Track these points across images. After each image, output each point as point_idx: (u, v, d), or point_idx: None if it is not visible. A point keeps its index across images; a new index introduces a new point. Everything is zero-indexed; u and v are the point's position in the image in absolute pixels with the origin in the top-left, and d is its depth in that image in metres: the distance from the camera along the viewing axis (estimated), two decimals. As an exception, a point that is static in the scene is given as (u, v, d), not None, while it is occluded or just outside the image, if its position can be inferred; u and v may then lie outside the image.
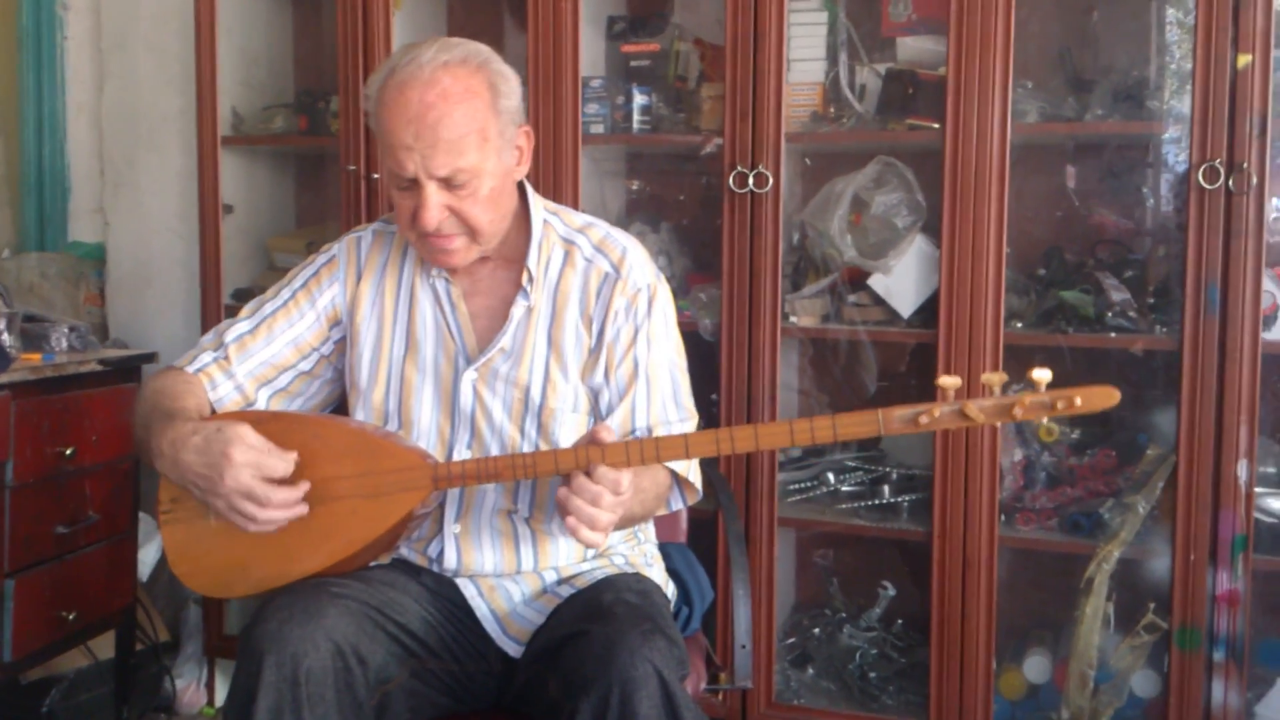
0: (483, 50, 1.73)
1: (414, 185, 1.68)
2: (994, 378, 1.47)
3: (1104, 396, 1.48)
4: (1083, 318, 2.30)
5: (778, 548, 2.47)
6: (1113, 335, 2.26)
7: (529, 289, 1.79)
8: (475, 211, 1.71)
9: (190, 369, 1.82)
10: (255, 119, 2.94)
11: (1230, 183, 2.10)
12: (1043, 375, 1.46)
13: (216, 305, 2.84)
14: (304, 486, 1.64)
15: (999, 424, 1.58)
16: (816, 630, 2.66)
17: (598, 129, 2.57)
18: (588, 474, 1.54)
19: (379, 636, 1.65)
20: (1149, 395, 2.32)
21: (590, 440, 1.57)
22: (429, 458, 1.71)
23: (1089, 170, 2.49)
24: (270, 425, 1.69)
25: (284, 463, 1.62)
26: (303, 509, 1.63)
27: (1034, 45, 2.41)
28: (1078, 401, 1.47)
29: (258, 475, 1.59)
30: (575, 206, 2.43)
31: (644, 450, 1.56)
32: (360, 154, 2.66)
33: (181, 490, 1.71)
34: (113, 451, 2.56)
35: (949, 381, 1.48)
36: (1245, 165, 2.09)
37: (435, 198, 1.67)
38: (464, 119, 1.66)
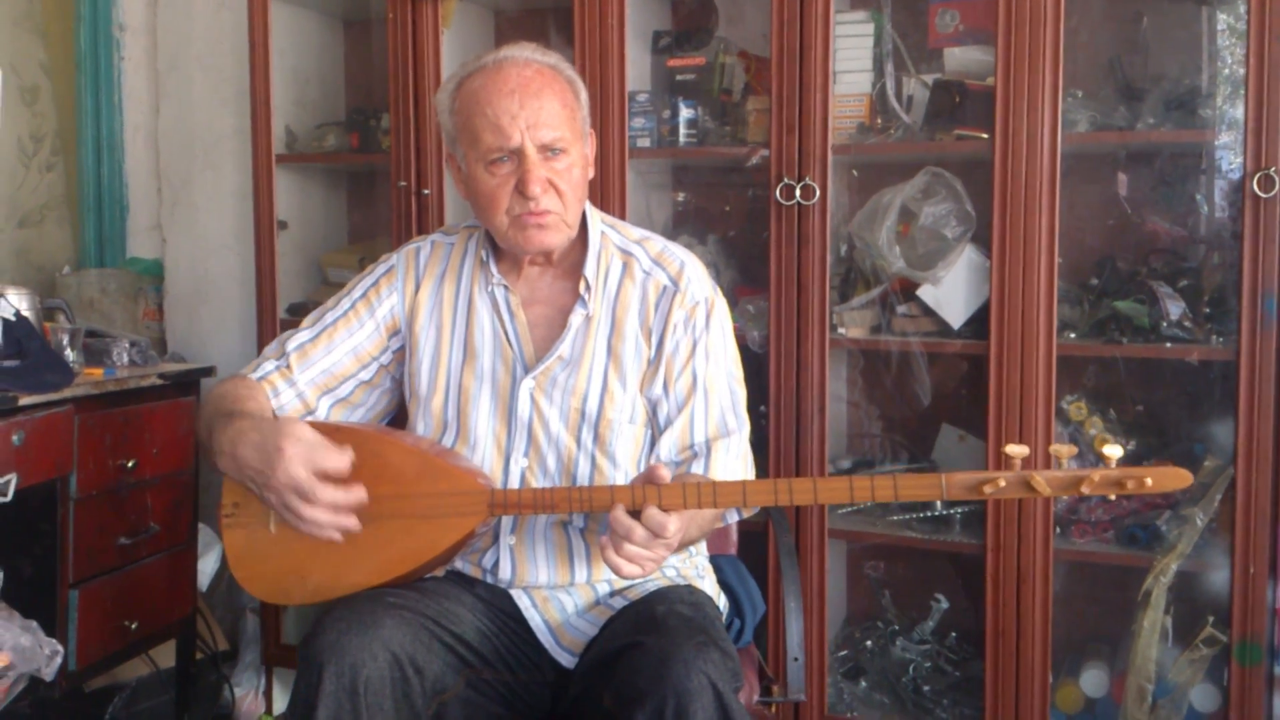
0: (557, 56, 1.81)
1: (514, 157, 1.72)
2: (1063, 450, 1.47)
3: (1175, 478, 1.48)
4: (1137, 328, 2.28)
5: (829, 560, 2.46)
6: (1168, 345, 2.23)
7: (587, 297, 1.81)
8: (569, 189, 1.75)
9: (254, 376, 1.86)
10: (308, 137, 2.99)
11: (1286, 191, 2.08)
12: (1113, 452, 1.45)
13: (272, 320, 2.88)
14: (356, 490, 1.65)
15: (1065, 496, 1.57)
16: (869, 643, 2.64)
17: (644, 143, 2.59)
18: (636, 514, 1.56)
19: (435, 647, 1.67)
20: (1206, 406, 2.30)
21: (647, 480, 1.58)
22: (485, 480, 1.73)
23: (1141, 179, 2.47)
24: (331, 438, 1.71)
25: (338, 457, 1.63)
26: (352, 521, 1.65)
27: (1083, 54, 2.39)
28: (1148, 482, 1.46)
29: (309, 468, 1.61)
30: (623, 219, 2.44)
31: (701, 494, 1.57)
32: (411, 170, 2.70)
33: (244, 495, 1.75)
34: (172, 464, 2.60)
35: (1017, 451, 1.48)
36: (1301, 173, 2.06)
37: (539, 167, 1.72)
38: (560, 95, 1.76)
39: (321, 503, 1.62)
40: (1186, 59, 2.38)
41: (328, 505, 1.62)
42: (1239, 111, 2.16)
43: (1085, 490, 1.47)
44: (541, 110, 1.72)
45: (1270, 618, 2.15)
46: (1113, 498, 1.50)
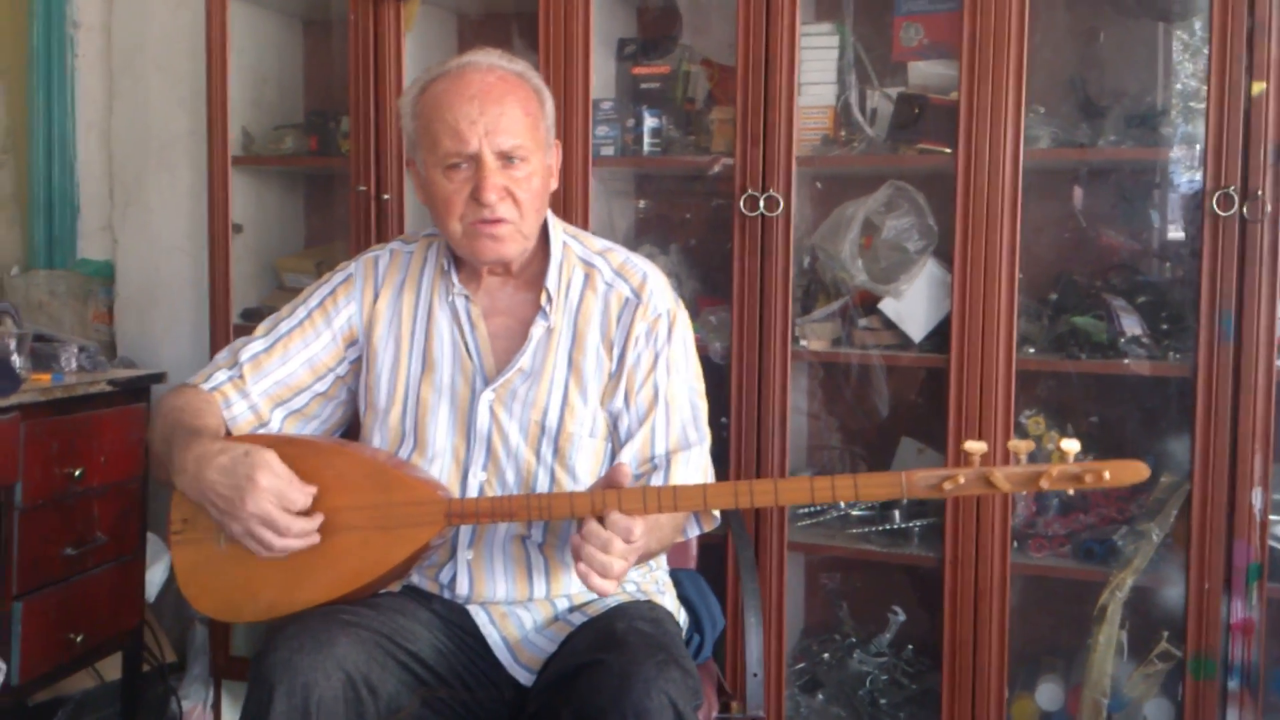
0: (526, 64, 1.80)
1: (471, 164, 1.70)
2: (1021, 445, 1.47)
3: (1133, 471, 1.47)
4: (1095, 343, 2.29)
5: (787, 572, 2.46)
6: (1126, 361, 2.25)
7: (548, 309, 1.79)
8: (527, 199, 1.73)
9: (205, 387, 1.82)
10: (265, 139, 2.94)
11: (1245, 210, 2.09)
12: (1071, 445, 1.45)
13: (225, 325, 2.83)
14: (319, 519, 1.65)
15: (1025, 492, 1.57)
16: (826, 655, 2.64)
17: (608, 151, 2.57)
18: (600, 520, 1.54)
19: (390, 665, 1.64)
20: (1162, 421, 2.31)
21: (608, 484, 1.57)
22: (443, 491, 1.71)
23: (1101, 196, 2.49)
24: (285, 450, 1.69)
25: (305, 495, 1.64)
26: (315, 539, 1.64)
27: (1045, 71, 2.40)
28: (1106, 475, 1.46)
29: (279, 504, 1.60)
30: (585, 228, 2.43)
31: (661, 498, 1.56)
32: (370, 175, 2.66)
33: (194, 511, 1.72)
34: (121, 472, 2.55)
35: (975, 447, 1.47)
36: (1260, 193, 2.08)
37: (496, 174, 1.70)
38: (522, 103, 1.74)
39: (291, 534, 1.62)
40: (1146, 76, 2.40)
41: (297, 535, 1.63)
42: (1199, 130, 2.17)
43: (1044, 485, 1.47)
44: (502, 117, 1.70)
45: (1225, 633, 2.16)
46: (1071, 493, 1.50)
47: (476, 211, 1.71)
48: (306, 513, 1.64)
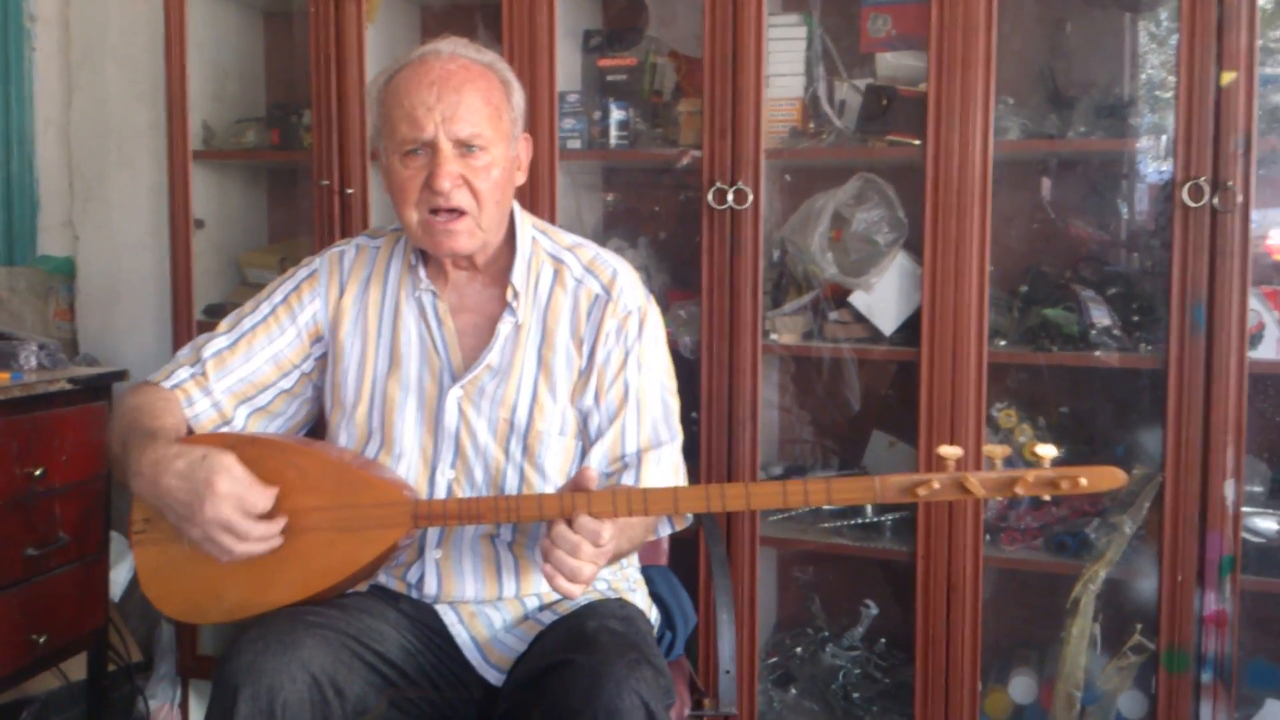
0: (497, 57, 1.77)
1: (427, 150, 1.68)
2: (996, 450, 1.46)
3: (1109, 478, 1.47)
4: (1066, 335, 2.28)
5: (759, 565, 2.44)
6: (1097, 354, 2.24)
7: (515, 305, 1.77)
8: (486, 190, 1.70)
9: (166, 385, 1.79)
10: (226, 133, 2.90)
11: (1215, 201, 2.09)
12: (1046, 451, 1.44)
13: (188, 321, 2.79)
14: (281, 522, 1.61)
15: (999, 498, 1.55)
16: (799, 650, 2.63)
17: (574, 144, 2.55)
18: (569, 522, 1.52)
19: (357, 666, 1.62)
20: (1134, 413, 2.31)
21: (575, 487, 1.55)
22: (410, 491, 1.68)
23: (1071, 187, 2.49)
24: (248, 450, 1.66)
25: (265, 498, 1.60)
26: (277, 542, 1.61)
27: (1014, 62, 2.39)
28: (1083, 482, 1.45)
29: (239, 508, 1.56)
30: (553, 222, 2.40)
31: (631, 501, 1.54)
32: (334, 168, 2.63)
33: (156, 511, 1.68)
34: (83, 471, 2.51)
35: (950, 452, 1.46)
36: (1230, 184, 2.08)
37: (452, 162, 1.67)
38: (484, 92, 1.70)
39: (251, 539, 1.58)
40: (1114, 67, 2.39)
41: (257, 539, 1.59)
42: (1169, 121, 2.17)
43: (1019, 491, 1.46)
44: (460, 105, 1.67)
45: (1197, 625, 2.16)
46: (1047, 498, 1.49)
47: (431, 199, 1.69)
48: (269, 515, 1.60)
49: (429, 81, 1.68)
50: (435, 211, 1.69)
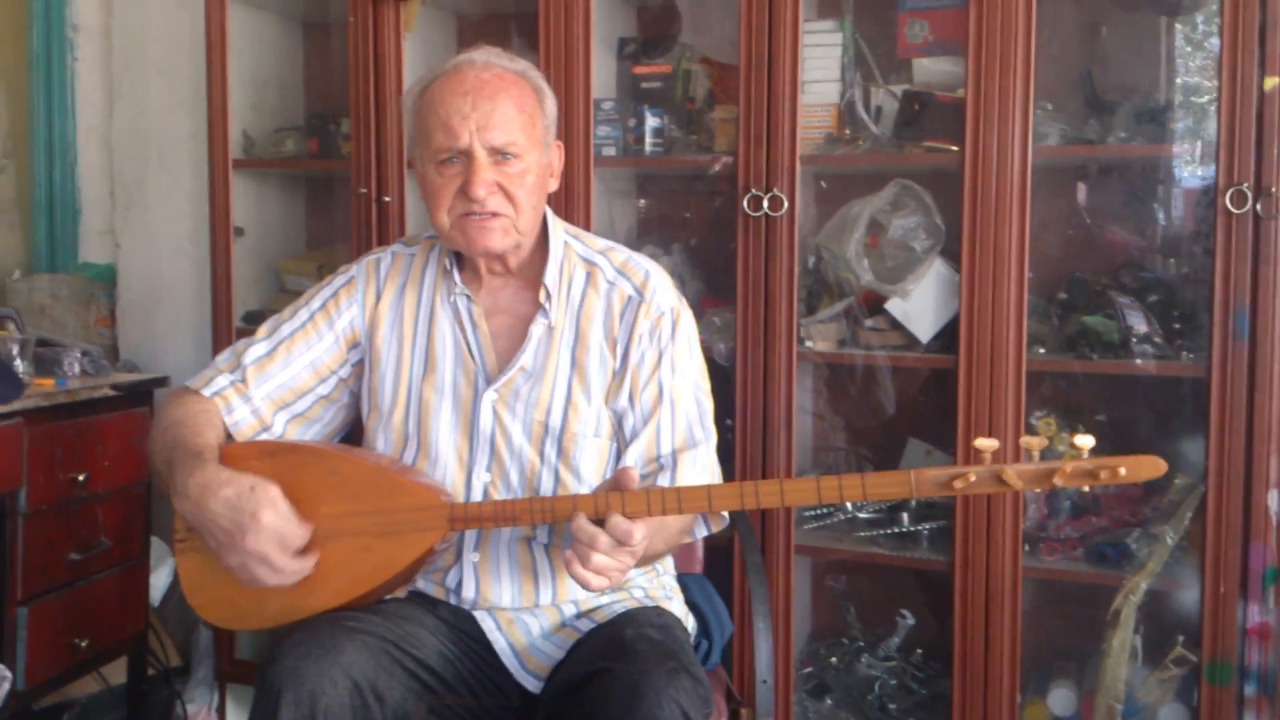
0: (529, 65, 1.79)
1: (462, 159, 1.70)
2: (1034, 441, 1.44)
3: (1150, 466, 1.44)
4: (1106, 343, 2.26)
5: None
6: (1138, 362, 2.22)
7: (548, 306, 1.78)
8: (521, 195, 1.72)
9: (206, 392, 1.80)
10: (266, 142, 2.93)
11: (1259, 207, 2.07)
12: (1085, 441, 1.42)
13: (228, 328, 2.81)
14: (314, 558, 1.63)
15: (1038, 490, 1.53)
16: (834, 659, 2.62)
17: (609, 151, 2.55)
18: (601, 523, 1.52)
19: (396, 672, 1.63)
20: (1176, 422, 2.28)
21: (613, 486, 1.55)
22: (446, 495, 1.69)
23: (1110, 193, 2.46)
24: (288, 457, 1.68)
25: (304, 535, 1.62)
26: (307, 574, 1.63)
27: (1053, 67, 2.38)
28: (1122, 471, 1.43)
29: (278, 543, 1.59)
30: (587, 228, 2.41)
31: (665, 500, 1.54)
32: (371, 177, 2.64)
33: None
34: (125, 477, 2.54)
35: (986, 444, 1.44)
36: (1274, 189, 2.05)
37: (487, 170, 1.68)
38: (517, 100, 1.72)
39: (286, 573, 1.61)
40: (1153, 72, 2.37)
41: (291, 574, 1.61)
42: (1210, 127, 2.15)
43: (1058, 482, 1.43)
44: (494, 113, 1.69)
45: (1240, 637, 2.14)
46: (1086, 489, 1.46)
47: (465, 205, 1.70)
48: (303, 549, 1.63)
49: (463, 91, 1.70)
50: (469, 213, 1.71)
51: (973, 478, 1.46)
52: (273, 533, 1.58)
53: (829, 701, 2.55)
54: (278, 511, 1.59)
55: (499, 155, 1.70)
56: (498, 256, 1.78)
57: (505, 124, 1.69)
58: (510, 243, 1.75)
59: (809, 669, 2.62)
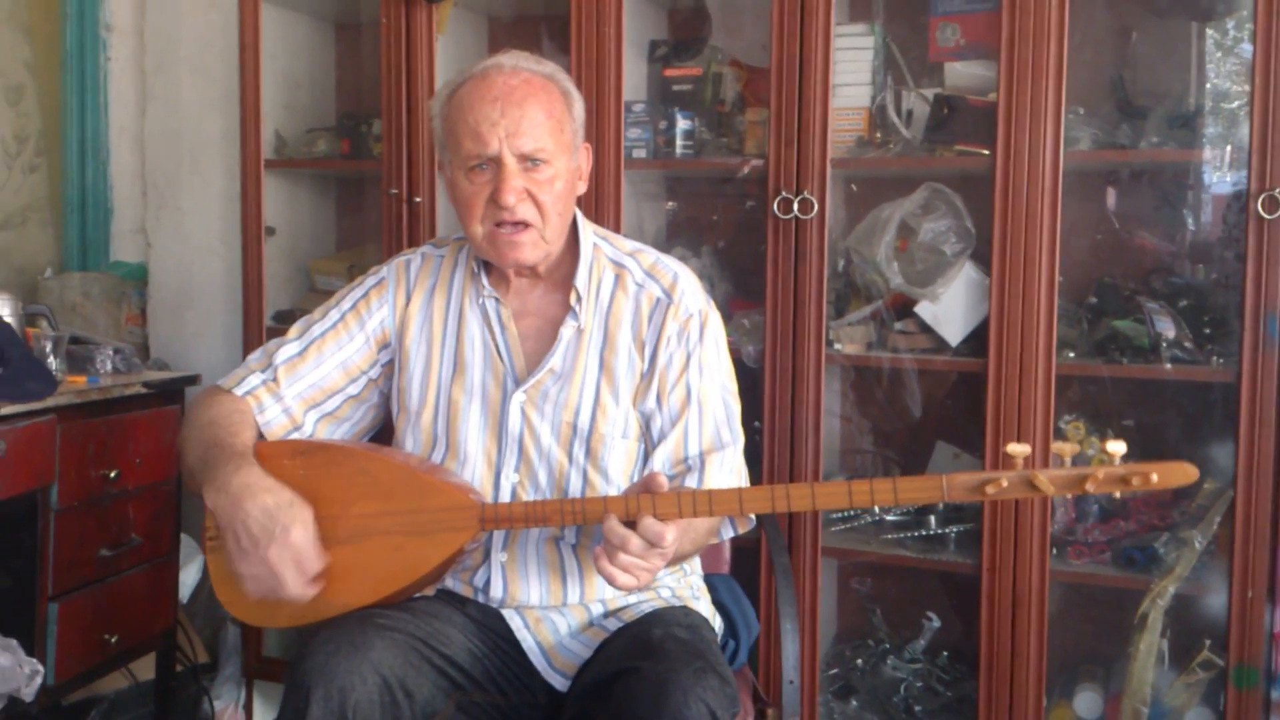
0: (557, 68, 1.79)
1: (492, 165, 1.70)
2: (1065, 447, 1.44)
3: (1181, 473, 1.44)
4: (1137, 348, 2.25)
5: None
6: (1168, 366, 2.21)
7: (578, 309, 1.79)
8: (550, 202, 1.72)
9: (238, 391, 1.82)
10: (298, 142, 2.95)
11: (1290, 212, 2.06)
12: (1117, 448, 1.42)
13: (259, 327, 2.83)
14: (318, 587, 1.65)
15: (1069, 496, 1.53)
16: (859, 661, 2.62)
17: (640, 153, 2.56)
18: (632, 525, 1.53)
19: (425, 669, 1.64)
20: (1205, 427, 2.28)
21: (644, 488, 1.55)
22: (476, 495, 1.70)
23: (1141, 198, 2.46)
24: (319, 456, 1.69)
25: (320, 563, 1.64)
26: (308, 598, 1.65)
27: (1084, 71, 2.37)
28: (1154, 478, 1.43)
29: (296, 563, 1.61)
30: (617, 231, 2.42)
31: (696, 502, 1.55)
32: (402, 177, 2.66)
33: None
34: (156, 474, 2.56)
35: (1018, 450, 1.45)
36: (1305, 195, 2.05)
37: (517, 177, 1.69)
38: (545, 105, 1.72)
39: (291, 594, 1.62)
40: (1183, 76, 2.36)
41: (294, 596, 1.63)
42: (1235, 130, 2.14)
43: (1090, 488, 1.43)
44: (523, 119, 1.69)
45: (1268, 641, 2.13)
46: (1118, 495, 1.46)
47: (496, 213, 1.71)
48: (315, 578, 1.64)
49: (492, 97, 1.70)
50: (500, 224, 1.72)
51: (1005, 483, 1.46)
52: (296, 552, 1.60)
53: (854, 703, 2.55)
54: (307, 533, 1.61)
55: (528, 162, 1.71)
56: (528, 266, 1.79)
57: (534, 130, 1.70)
58: (540, 254, 1.76)
59: (834, 670, 2.62)
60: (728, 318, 2.57)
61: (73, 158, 3.28)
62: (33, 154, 3.22)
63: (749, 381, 2.41)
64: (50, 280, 3.18)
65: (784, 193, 2.36)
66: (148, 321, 3.33)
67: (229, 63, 2.99)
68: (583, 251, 1.82)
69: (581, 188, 1.83)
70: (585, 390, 1.78)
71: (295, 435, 1.83)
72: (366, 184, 3.02)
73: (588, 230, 1.86)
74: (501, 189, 1.69)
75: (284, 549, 1.59)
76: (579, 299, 1.79)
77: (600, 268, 1.83)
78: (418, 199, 2.65)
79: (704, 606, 1.89)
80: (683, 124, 2.57)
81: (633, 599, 1.80)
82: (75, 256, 3.29)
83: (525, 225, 1.72)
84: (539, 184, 1.71)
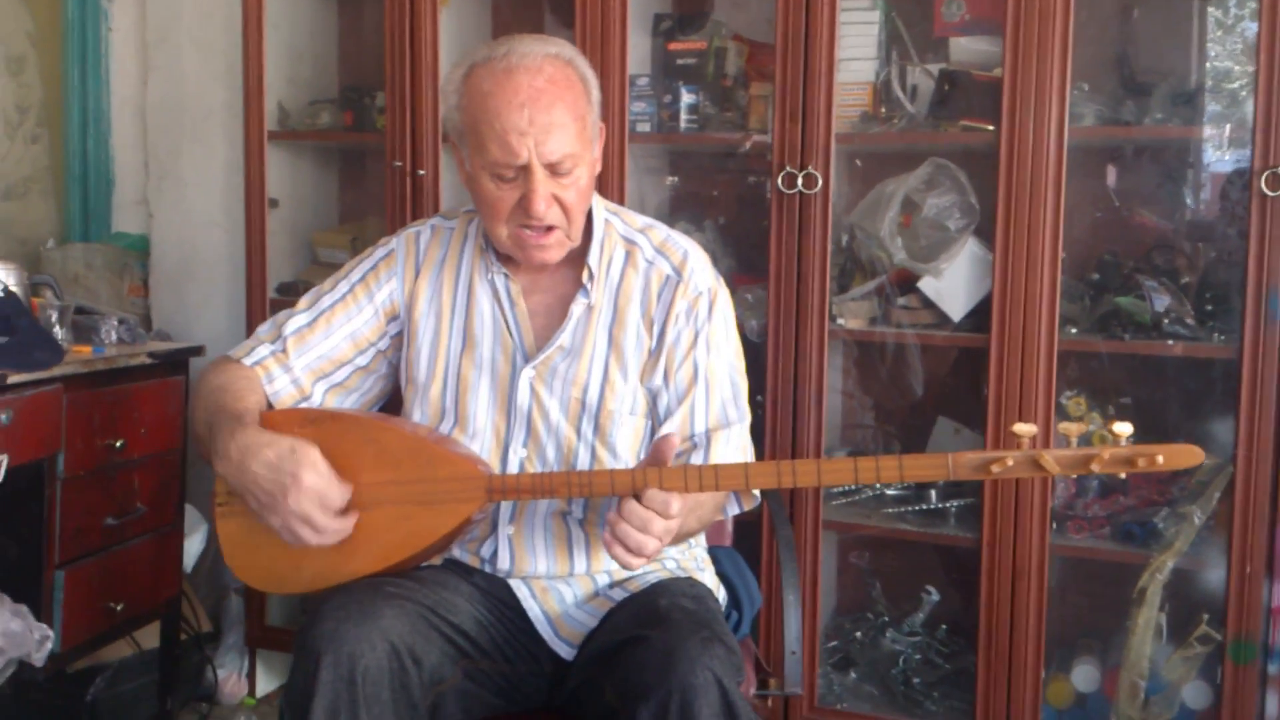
0: (570, 46, 1.76)
1: (520, 174, 1.68)
2: (1073, 427, 1.44)
3: (1187, 455, 1.44)
4: (1138, 324, 2.27)
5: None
6: (1170, 343, 2.23)
7: (589, 286, 1.79)
8: (574, 202, 1.72)
9: (247, 361, 1.83)
10: (300, 114, 2.95)
11: (1293, 189, 2.07)
12: (1123, 429, 1.43)
13: (261, 299, 2.84)
14: (354, 517, 1.65)
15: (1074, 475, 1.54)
16: (859, 634, 2.64)
17: (644, 128, 2.56)
18: (638, 497, 1.54)
19: (433, 637, 1.65)
20: (1206, 403, 2.29)
21: (653, 457, 1.56)
22: (484, 466, 1.71)
23: (1144, 175, 2.47)
24: (328, 425, 1.69)
25: (344, 495, 1.64)
26: (348, 534, 1.65)
27: (1089, 48, 2.37)
28: (1160, 459, 1.43)
29: (319, 503, 1.61)
30: (622, 204, 2.42)
31: (703, 477, 1.56)
32: (406, 150, 2.66)
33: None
34: (160, 444, 2.57)
35: (1024, 429, 1.45)
36: (1309, 173, 2.06)
37: (545, 184, 1.68)
38: (571, 106, 1.69)
39: (327, 533, 1.62)
40: (1187, 54, 2.37)
41: (332, 534, 1.63)
42: (1239, 108, 2.15)
43: (1095, 468, 1.44)
44: (552, 127, 1.66)
45: (1266, 616, 2.15)
46: (1123, 476, 1.47)
47: (524, 219, 1.70)
48: (344, 509, 1.64)
49: (519, 103, 1.66)
50: (525, 227, 1.72)
51: (1010, 462, 1.47)
52: (313, 492, 1.60)
53: (853, 675, 2.58)
54: (318, 472, 1.61)
55: (555, 168, 1.69)
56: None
57: (562, 136, 1.67)
58: (564, 252, 1.77)
59: (834, 643, 2.64)
60: (731, 292, 2.57)
61: (74, 128, 3.27)
62: (34, 125, 3.22)
63: (752, 356, 2.40)
64: (52, 251, 3.18)
65: (788, 168, 2.36)
66: (150, 293, 3.33)
67: (231, 34, 2.99)
68: (595, 229, 1.82)
69: (597, 169, 1.83)
70: (594, 367, 1.79)
71: (304, 405, 1.83)
72: (369, 156, 3.02)
73: (600, 206, 1.85)
74: (531, 199, 1.67)
75: (300, 494, 1.59)
76: (591, 277, 1.79)
77: (611, 244, 1.83)
78: (421, 171, 2.65)
79: (708, 578, 1.90)
80: (687, 98, 2.57)
81: (638, 570, 1.82)
82: (77, 227, 3.29)
83: (550, 229, 1.72)
84: (565, 187, 1.70)
